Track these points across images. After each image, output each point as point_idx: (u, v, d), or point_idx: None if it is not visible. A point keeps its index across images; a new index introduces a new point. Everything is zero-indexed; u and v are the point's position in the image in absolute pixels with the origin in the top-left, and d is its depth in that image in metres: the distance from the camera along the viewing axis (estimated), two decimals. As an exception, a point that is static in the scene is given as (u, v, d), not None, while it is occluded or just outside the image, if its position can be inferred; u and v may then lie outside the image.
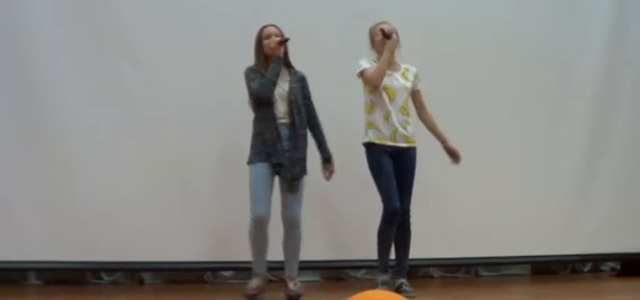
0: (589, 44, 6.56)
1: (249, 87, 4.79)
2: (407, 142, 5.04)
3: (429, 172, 5.40)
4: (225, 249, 5.40)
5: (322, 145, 5.01)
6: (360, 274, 6.12)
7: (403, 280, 5.07)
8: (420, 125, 5.21)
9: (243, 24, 5.23)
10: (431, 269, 6.41)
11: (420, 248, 5.32)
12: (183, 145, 5.47)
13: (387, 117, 4.99)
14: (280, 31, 4.87)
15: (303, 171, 4.82)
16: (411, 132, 5.07)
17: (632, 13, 6.72)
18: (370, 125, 5.03)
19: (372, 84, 4.95)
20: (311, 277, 5.94)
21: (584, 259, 6.78)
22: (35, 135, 5.30)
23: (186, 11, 5.59)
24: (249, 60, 4.89)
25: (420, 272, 6.32)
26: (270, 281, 5.50)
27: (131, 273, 5.76)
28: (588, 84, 6.55)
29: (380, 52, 5.05)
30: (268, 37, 4.83)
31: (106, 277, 5.69)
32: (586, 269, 6.97)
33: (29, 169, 5.28)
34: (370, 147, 5.02)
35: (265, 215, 4.67)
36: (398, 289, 4.97)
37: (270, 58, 4.81)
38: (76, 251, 5.27)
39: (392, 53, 4.99)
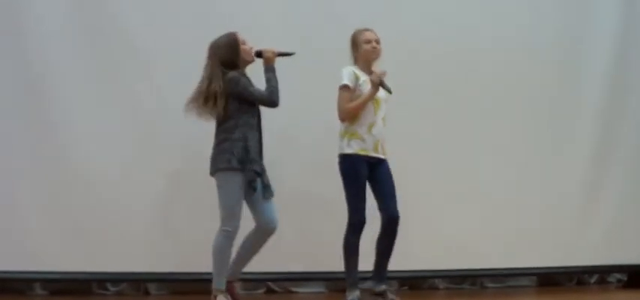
0: (595, 54, 6.55)
1: (251, 93, 4.69)
2: (384, 154, 4.94)
3: (434, 183, 5.40)
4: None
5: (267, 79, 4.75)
6: (367, 285, 6.07)
7: (386, 287, 4.97)
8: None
9: (244, 29, 5.19)
10: (436, 281, 6.38)
11: (426, 260, 5.32)
12: (190, 155, 5.47)
13: (370, 127, 4.85)
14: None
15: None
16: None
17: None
18: (352, 135, 4.84)
19: (345, 117, 4.84)
20: (316, 288, 5.92)
21: (591, 270, 6.76)
22: (42, 145, 5.32)
23: (190, 15, 5.61)
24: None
25: (425, 284, 6.31)
26: (272, 291, 5.50)
27: (137, 283, 5.76)
28: (595, 94, 6.55)
29: (364, 60, 4.92)
30: (244, 42, 4.78)
31: (111, 288, 5.68)
32: (592, 281, 6.94)
33: (36, 179, 5.30)
34: (349, 158, 4.85)
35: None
36: (382, 296, 4.87)
37: (247, 63, 4.78)
38: (81, 262, 5.29)
39: (369, 100, 4.83)
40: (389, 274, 5.26)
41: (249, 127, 4.65)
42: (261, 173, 4.67)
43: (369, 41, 4.92)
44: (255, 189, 4.60)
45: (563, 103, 6.43)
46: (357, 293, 4.84)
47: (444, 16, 6.15)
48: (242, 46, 4.74)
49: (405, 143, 5.73)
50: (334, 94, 4.83)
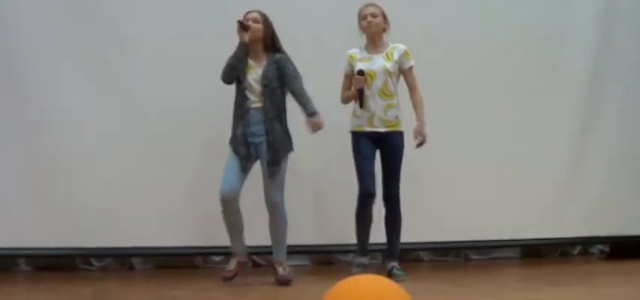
0: (580, 30, 6.55)
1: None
2: (386, 126, 5.01)
3: (418, 155, 5.39)
4: (216, 234, 5.38)
5: (305, 105, 4.82)
6: (350, 257, 6.12)
7: (394, 264, 5.10)
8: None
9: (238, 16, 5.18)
10: (420, 253, 6.42)
11: (410, 232, 5.34)
12: (173, 130, 5.47)
13: (364, 102, 4.99)
14: (261, 16, 4.86)
15: (281, 155, 4.80)
16: (393, 115, 5.03)
17: (622, 1, 6.72)
18: (353, 113, 5.09)
19: (343, 103, 5.15)
20: (300, 261, 5.95)
21: (574, 241, 6.81)
22: (24, 123, 5.29)
23: (183, 6, 5.57)
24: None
25: (409, 256, 6.34)
26: (258, 265, 5.54)
27: (121, 258, 5.76)
28: (579, 69, 6.56)
29: (366, 34, 5.08)
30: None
31: (95, 263, 5.69)
32: (575, 252, 7.00)
33: (18, 156, 5.28)
34: (352, 134, 5.09)
35: (228, 193, 4.69)
36: (389, 273, 4.98)
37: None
38: (65, 237, 5.28)
39: (350, 97, 5.09)
40: (373, 247, 5.32)
41: (236, 106, 4.82)
42: (238, 151, 4.75)
43: (364, 17, 5.07)
44: (242, 165, 4.75)
45: (548, 79, 6.43)
46: (361, 260, 5.11)
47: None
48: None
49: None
50: (324, 80, 5.12)
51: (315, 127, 4.83)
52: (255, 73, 4.81)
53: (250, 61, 4.84)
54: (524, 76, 6.35)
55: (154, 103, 5.44)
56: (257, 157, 4.83)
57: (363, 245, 5.13)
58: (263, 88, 4.78)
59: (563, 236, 6.50)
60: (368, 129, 5.02)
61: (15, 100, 5.27)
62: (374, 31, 5.04)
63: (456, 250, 6.53)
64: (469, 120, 6.06)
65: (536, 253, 6.77)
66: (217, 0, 5.60)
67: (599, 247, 7.01)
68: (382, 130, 5.01)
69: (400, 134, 5.08)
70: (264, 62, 4.84)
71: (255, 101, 4.79)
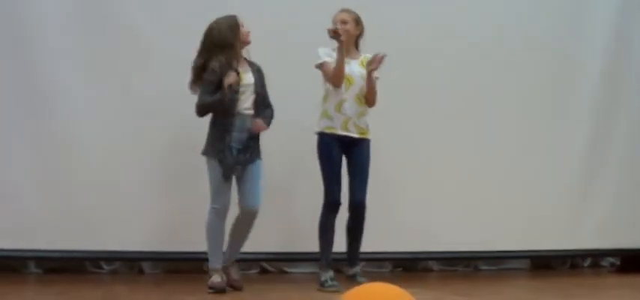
0: (592, 41, 6.54)
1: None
2: (360, 132, 4.95)
3: (430, 165, 5.41)
4: (225, 240, 5.41)
5: (266, 116, 4.84)
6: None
7: (357, 270, 5.02)
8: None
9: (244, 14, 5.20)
10: (430, 262, 6.40)
11: (420, 242, 5.33)
12: (184, 135, 5.45)
13: (339, 105, 4.89)
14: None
15: (256, 155, 4.79)
16: (365, 123, 4.98)
17: (637, 9, 6.70)
18: (323, 114, 4.95)
19: (333, 85, 4.89)
20: (309, 268, 5.90)
21: (584, 254, 6.79)
22: (35, 124, 5.29)
23: (189, 7, 5.58)
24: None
25: (419, 265, 6.33)
26: (266, 271, 5.50)
27: (131, 262, 5.76)
28: (590, 81, 6.54)
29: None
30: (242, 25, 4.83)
31: (105, 267, 5.70)
32: (586, 264, 6.97)
33: (29, 158, 5.28)
34: (321, 136, 4.95)
35: (226, 204, 4.72)
36: (352, 278, 4.90)
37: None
38: (75, 240, 5.28)
39: (343, 52, 4.84)
40: (383, 256, 5.31)
41: (217, 114, 4.75)
42: (226, 160, 4.69)
43: (335, 24, 4.94)
44: (226, 174, 4.69)
45: (561, 90, 6.42)
46: (329, 274, 4.89)
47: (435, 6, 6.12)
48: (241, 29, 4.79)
49: (399, 128, 5.76)
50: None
51: (257, 127, 4.78)
52: (245, 79, 4.77)
53: (238, 69, 4.77)
54: (537, 88, 6.33)
55: (168, 108, 5.42)
56: (236, 164, 4.76)
57: (329, 257, 4.95)
58: (255, 95, 4.78)
59: (573, 248, 6.48)
60: (341, 132, 4.91)
61: (28, 103, 5.28)
62: (343, 38, 4.87)
63: (466, 261, 6.50)
64: (481, 131, 6.05)
65: (547, 265, 6.74)
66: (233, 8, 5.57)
67: (610, 259, 6.97)
68: (356, 135, 4.94)
69: (369, 142, 5.01)
70: (249, 69, 4.83)
71: (246, 107, 4.76)
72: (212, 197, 4.72)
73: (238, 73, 4.72)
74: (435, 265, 6.44)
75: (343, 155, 4.97)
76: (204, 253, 4.82)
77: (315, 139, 5.00)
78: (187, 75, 4.82)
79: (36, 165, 5.30)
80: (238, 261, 5.01)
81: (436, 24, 6.01)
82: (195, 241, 5.22)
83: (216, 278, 4.69)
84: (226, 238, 4.84)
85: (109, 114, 5.41)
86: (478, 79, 6.09)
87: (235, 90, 4.68)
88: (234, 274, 4.90)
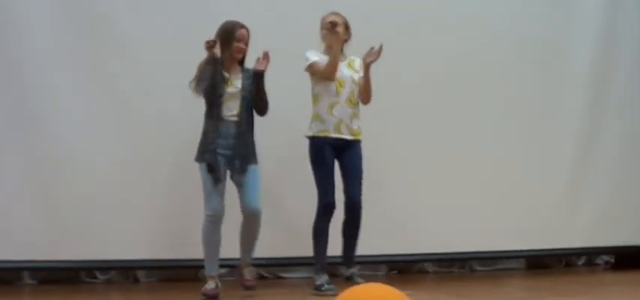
0: (582, 38, 6.56)
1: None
2: (352, 134, 4.95)
3: (423, 166, 5.41)
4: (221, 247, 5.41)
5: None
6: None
7: (354, 271, 5.03)
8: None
9: (232, 17, 5.17)
10: (425, 264, 6.40)
11: (415, 243, 5.33)
12: (177, 143, 5.44)
13: (331, 108, 4.88)
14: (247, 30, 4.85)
15: (249, 161, 4.78)
16: (357, 125, 4.98)
17: (625, 5, 6.73)
18: (314, 117, 4.94)
19: (328, 78, 4.86)
20: (306, 273, 5.89)
21: (579, 252, 6.80)
22: (28, 134, 5.27)
23: (179, 9, 5.58)
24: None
25: (414, 267, 6.33)
26: (263, 277, 5.50)
27: (125, 271, 5.74)
28: (582, 78, 6.57)
29: (326, 44, 4.95)
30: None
31: (100, 276, 5.67)
32: (580, 263, 6.99)
33: (23, 168, 5.26)
34: (313, 139, 4.94)
35: (220, 209, 4.72)
36: (350, 279, 4.90)
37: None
38: (70, 250, 5.25)
39: (337, 47, 4.85)
40: (378, 259, 5.29)
41: (207, 118, 4.77)
42: (212, 163, 4.69)
43: (325, 26, 4.94)
44: (215, 178, 4.68)
45: (551, 86, 6.44)
46: (325, 278, 4.87)
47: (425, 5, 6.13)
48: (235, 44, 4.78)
49: (393, 129, 5.77)
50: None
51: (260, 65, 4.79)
52: (233, 86, 4.78)
53: (225, 74, 4.77)
54: (528, 86, 6.35)
55: (159, 114, 5.42)
56: (226, 169, 4.77)
57: (324, 261, 4.93)
58: (241, 100, 4.77)
59: (568, 247, 6.49)
60: (334, 135, 4.90)
61: (19, 114, 5.26)
62: (332, 41, 4.88)
63: (461, 262, 6.51)
64: (473, 130, 6.06)
65: (541, 264, 6.75)
66: (223, 7, 5.55)
67: (605, 257, 6.99)
68: (348, 137, 4.94)
69: (360, 144, 5.00)
70: (240, 75, 4.83)
71: (232, 114, 4.76)
72: (204, 204, 4.74)
73: (226, 79, 4.73)
74: (430, 267, 6.44)
75: (335, 158, 4.97)
76: (200, 260, 4.81)
77: (307, 143, 5.00)
78: (181, 80, 4.82)
79: (28, 175, 5.27)
80: (234, 267, 5.00)
81: (428, 24, 6.02)
82: (190, 250, 5.23)
83: (210, 285, 4.69)
84: (226, 243, 4.82)
85: (102, 124, 5.39)
86: (471, 81, 6.10)
87: (215, 55, 4.67)
88: (247, 274, 4.91)
